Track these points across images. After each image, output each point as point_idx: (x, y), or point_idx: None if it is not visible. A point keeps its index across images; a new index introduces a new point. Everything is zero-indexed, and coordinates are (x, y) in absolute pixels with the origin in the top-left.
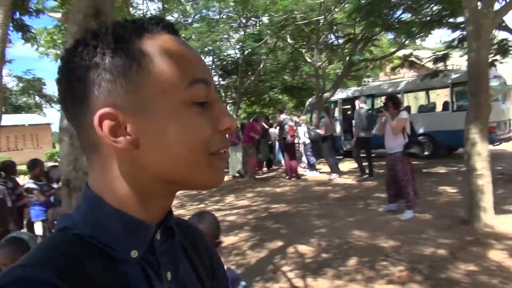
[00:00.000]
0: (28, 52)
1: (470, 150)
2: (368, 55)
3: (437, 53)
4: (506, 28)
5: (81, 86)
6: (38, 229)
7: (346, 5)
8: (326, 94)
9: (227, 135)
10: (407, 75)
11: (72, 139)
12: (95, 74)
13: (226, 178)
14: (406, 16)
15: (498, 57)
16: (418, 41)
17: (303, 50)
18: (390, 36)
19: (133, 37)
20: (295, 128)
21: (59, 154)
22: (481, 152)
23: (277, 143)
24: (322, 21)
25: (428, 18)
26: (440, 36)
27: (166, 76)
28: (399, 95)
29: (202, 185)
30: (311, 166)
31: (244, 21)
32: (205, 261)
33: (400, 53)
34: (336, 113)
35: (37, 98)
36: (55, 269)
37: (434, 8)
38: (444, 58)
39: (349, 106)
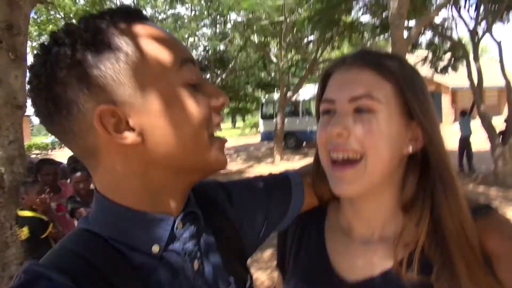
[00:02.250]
0: None
1: None
2: (339, 54)
3: None
4: None
5: (65, 88)
6: None
7: (306, 6)
8: (290, 93)
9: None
10: None
11: None
12: (80, 72)
13: None
14: (364, 21)
15: None
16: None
17: (273, 49)
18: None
19: (110, 28)
20: None
21: None
22: None
23: None
24: (284, 22)
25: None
26: None
27: (156, 61)
28: None
29: (210, 167)
30: None
31: (211, 19)
32: (229, 228)
33: None
34: None
35: None
36: (70, 273)
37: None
38: None
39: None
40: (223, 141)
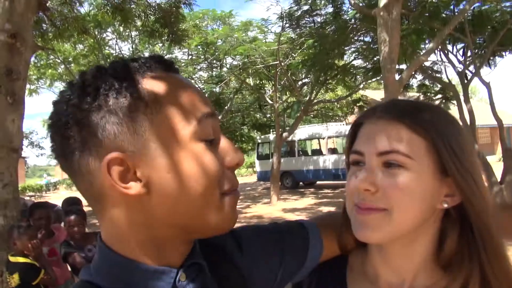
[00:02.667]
0: None
1: None
2: (333, 96)
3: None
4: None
5: (82, 130)
6: None
7: (300, 50)
8: (285, 133)
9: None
10: None
11: None
12: (98, 117)
13: None
14: (357, 63)
15: None
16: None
17: (269, 91)
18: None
19: (137, 76)
20: None
21: None
22: None
23: None
24: (279, 66)
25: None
26: None
27: (175, 115)
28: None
29: (215, 227)
30: None
31: (207, 63)
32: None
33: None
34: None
35: None
36: None
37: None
38: None
39: None
40: (235, 197)
